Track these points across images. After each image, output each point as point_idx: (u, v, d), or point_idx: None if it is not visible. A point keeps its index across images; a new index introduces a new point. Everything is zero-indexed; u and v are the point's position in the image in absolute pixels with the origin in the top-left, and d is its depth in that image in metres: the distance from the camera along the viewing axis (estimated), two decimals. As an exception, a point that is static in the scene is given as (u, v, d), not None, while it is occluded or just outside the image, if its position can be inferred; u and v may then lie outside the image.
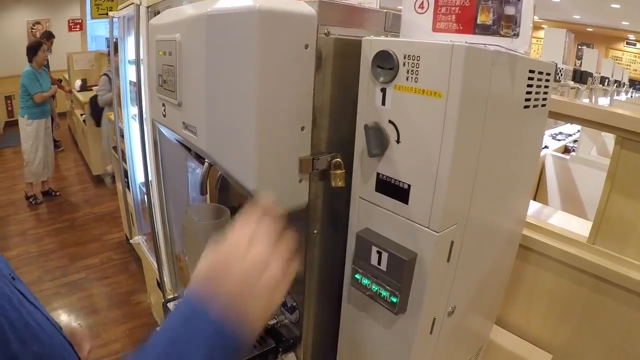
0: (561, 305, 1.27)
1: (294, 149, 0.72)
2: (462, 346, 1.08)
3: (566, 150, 4.10)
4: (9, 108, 7.98)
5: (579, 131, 4.00)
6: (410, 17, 0.84)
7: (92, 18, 6.52)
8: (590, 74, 3.98)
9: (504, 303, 1.34)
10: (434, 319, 0.80)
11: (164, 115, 0.85)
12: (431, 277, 0.73)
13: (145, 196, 2.69)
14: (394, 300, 0.74)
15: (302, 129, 0.72)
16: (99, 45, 7.40)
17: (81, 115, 5.13)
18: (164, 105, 0.84)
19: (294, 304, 0.94)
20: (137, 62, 1.85)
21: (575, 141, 4.11)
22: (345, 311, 0.89)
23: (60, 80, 4.88)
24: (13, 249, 3.66)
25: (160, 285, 2.31)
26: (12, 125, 7.76)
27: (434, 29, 0.83)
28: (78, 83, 5.43)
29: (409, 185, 0.71)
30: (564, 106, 1.24)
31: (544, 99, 0.93)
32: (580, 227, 1.31)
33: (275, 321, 0.98)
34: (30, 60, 4.25)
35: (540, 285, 1.31)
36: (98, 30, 7.83)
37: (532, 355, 1.28)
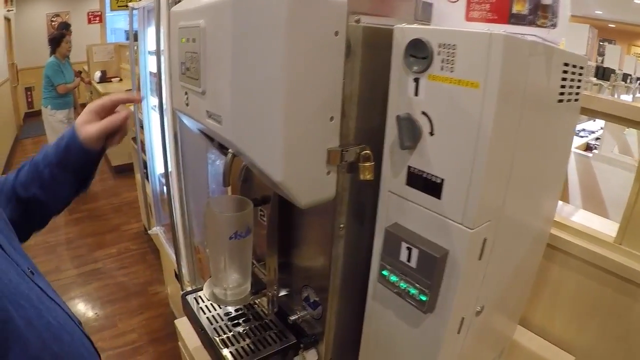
0: (585, 306, 1.24)
1: (322, 139, 0.70)
2: (487, 346, 1.05)
3: (588, 147, 4.01)
4: (29, 99, 8.11)
5: (602, 128, 3.90)
6: (442, 6, 0.82)
7: (112, 10, 6.57)
8: (613, 71, 3.88)
9: (527, 302, 1.31)
10: (463, 318, 0.77)
11: (187, 104, 0.83)
12: (462, 275, 0.70)
13: (165, 187, 2.70)
14: (424, 298, 0.72)
15: (331, 119, 0.69)
16: (118, 38, 7.47)
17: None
18: (186, 94, 0.82)
19: (317, 299, 0.92)
20: (158, 53, 1.84)
21: (597, 139, 4.02)
22: (370, 308, 0.87)
23: (80, 72, 4.91)
24: (32, 238, 3.69)
25: (178, 276, 2.31)
26: (31, 116, 7.89)
27: (467, 18, 0.80)
28: (97, 74, 5.48)
29: (442, 180, 0.68)
30: (591, 101, 1.20)
31: (577, 94, 0.90)
32: (603, 227, 1.27)
33: (296, 316, 0.97)
34: (53, 52, 4.29)
35: (564, 285, 1.27)
36: (117, 22, 7.89)
37: (554, 356, 1.25)
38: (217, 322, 1.04)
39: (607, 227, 1.23)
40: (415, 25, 0.69)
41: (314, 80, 0.65)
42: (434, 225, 0.71)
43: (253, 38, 0.63)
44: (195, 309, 1.09)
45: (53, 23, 7.59)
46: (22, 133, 7.14)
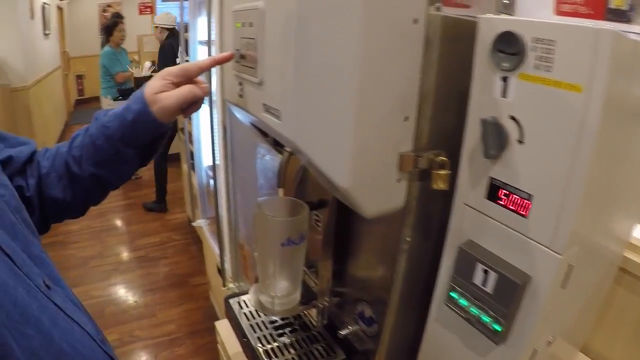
0: None
1: (395, 142, 0.62)
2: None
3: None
4: (80, 87, 8.41)
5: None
6: (532, -5, 0.72)
7: (163, 1, 6.68)
8: None
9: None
10: (535, 350, 0.68)
11: (240, 96, 0.77)
12: (543, 304, 0.61)
13: (212, 180, 2.70)
14: (498, 328, 0.63)
15: (406, 119, 0.61)
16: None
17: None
18: (240, 84, 0.76)
19: (373, 315, 0.84)
20: (209, 43, 1.80)
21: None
22: (431, 330, 0.78)
23: (131, 62, 5.00)
24: (75, 222, 3.81)
25: (221, 271, 2.29)
26: (82, 103, 8.20)
27: (557, 12, 0.70)
28: (147, 65, 5.57)
29: (531, 195, 0.59)
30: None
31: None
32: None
33: (348, 331, 0.90)
34: (107, 41, 4.37)
35: (629, 310, 1.15)
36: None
37: None
38: (261, 330, 0.99)
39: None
40: (504, 16, 0.60)
41: (390, 74, 0.58)
42: (515, 246, 0.62)
43: (323, 22, 0.56)
44: (237, 314, 1.04)
45: (105, 13, 7.81)
46: (72, 119, 7.40)
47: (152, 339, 2.57)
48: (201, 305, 2.89)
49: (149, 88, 0.71)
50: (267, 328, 1.00)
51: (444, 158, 0.65)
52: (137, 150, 0.74)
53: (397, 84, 0.59)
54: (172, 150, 5.12)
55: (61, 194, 0.73)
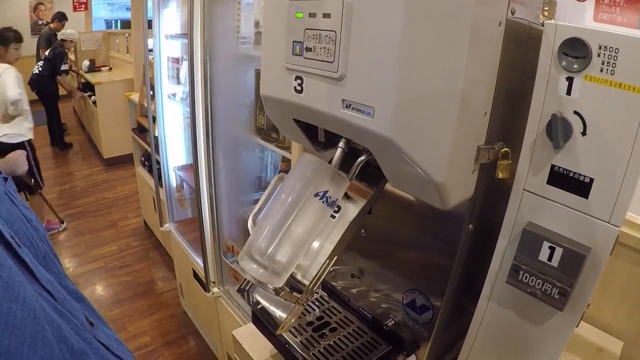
0: (635, 293, 1.27)
1: (476, 136, 0.69)
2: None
3: None
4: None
5: None
6: (567, 3, 0.81)
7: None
8: None
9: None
10: (583, 313, 0.78)
11: (299, 91, 0.75)
12: (599, 271, 0.71)
13: (190, 182, 2.62)
14: (563, 297, 0.72)
15: (485, 114, 0.68)
16: (97, 27, 7.22)
17: (90, 96, 5.00)
18: (299, 78, 0.75)
19: (426, 303, 0.90)
20: (191, 36, 1.71)
21: None
22: (483, 308, 0.85)
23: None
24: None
25: (200, 277, 2.24)
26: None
27: (596, 19, 0.80)
28: (86, 64, 5.30)
29: (592, 179, 0.68)
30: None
31: None
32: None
33: (393, 322, 0.95)
34: None
35: (615, 274, 1.31)
36: (97, 12, 7.66)
37: (604, 342, 1.28)
38: (300, 334, 1.00)
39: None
40: (569, 23, 0.68)
41: (480, 73, 0.64)
42: (577, 223, 0.71)
43: (432, 19, 0.59)
44: (268, 323, 1.02)
45: (37, 11, 7.30)
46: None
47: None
48: (172, 312, 2.82)
49: None
50: (306, 331, 1.00)
51: (507, 149, 0.73)
52: None
53: (483, 82, 0.65)
54: (120, 152, 4.92)
55: None
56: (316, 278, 0.77)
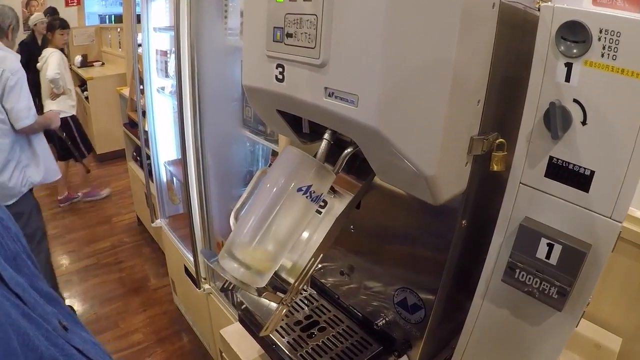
0: (634, 289, 1.24)
1: (468, 126, 0.64)
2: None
3: None
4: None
5: None
6: (565, -15, 0.77)
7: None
8: None
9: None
10: (584, 312, 0.74)
11: (280, 80, 0.70)
12: (600, 269, 0.67)
13: (173, 177, 2.58)
14: (562, 296, 0.68)
15: (478, 102, 0.64)
16: (91, 22, 7.13)
17: (83, 91, 4.93)
18: (281, 66, 0.70)
19: (418, 302, 0.86)
20: (177, 28, 1.66)
21: None
22: (477, 307, 0.82)
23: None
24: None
25: (191, 273, 2.21)
26: None
27: (595, 2, 0.76)
28: (78, 59, 5.22)
29: (592, 172, 0.64)
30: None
31: None
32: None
33: (384, 321, 0.91)
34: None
35: (614, 269, 1.27)
36: (91, 7, 7.56)
37: (602, 338, 1.25)
38: (288, 334, 0.96)
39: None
40: (566, 6, 0.64)
41: (472, 58, 0.60)
42: (576, 219, 0.67)
43: (418, 13, 0.55)
44: (249, 323, 1.00)
45: (29, 7, 7.18)
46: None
47: (119, 351, 2.43)
48: (165, 309, 2.78)
49: None
50: (294, 331, 0.96)
51: (502, 140, 0.69)
52: None
53: (476, 68, 0.61)
54: (112, 147, 4.86)
55: None
56: (301, 277, 0.74)
